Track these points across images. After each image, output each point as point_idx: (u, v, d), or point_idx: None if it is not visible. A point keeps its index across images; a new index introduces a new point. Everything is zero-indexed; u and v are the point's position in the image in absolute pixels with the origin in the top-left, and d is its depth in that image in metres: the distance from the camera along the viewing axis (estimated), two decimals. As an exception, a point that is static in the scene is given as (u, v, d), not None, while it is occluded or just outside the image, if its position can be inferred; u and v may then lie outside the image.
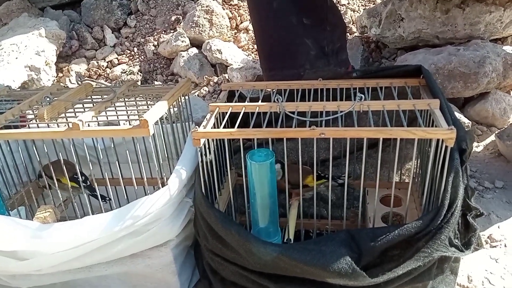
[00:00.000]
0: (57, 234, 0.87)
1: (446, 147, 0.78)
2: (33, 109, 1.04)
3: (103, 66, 2.35)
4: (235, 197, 1.11)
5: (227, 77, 2.13)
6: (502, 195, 1.31)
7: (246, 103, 0.96)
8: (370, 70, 1.07)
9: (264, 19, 1.51)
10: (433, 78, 0.97)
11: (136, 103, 1.07)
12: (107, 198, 1.05)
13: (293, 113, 0.89)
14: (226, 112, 0.95)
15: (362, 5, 2.38)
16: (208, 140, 0.91)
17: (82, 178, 1.05)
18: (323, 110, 0.91)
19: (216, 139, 0.99)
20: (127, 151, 0.96)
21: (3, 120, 0.96)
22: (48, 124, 1.00)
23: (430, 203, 0.87)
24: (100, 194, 1.05)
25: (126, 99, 1.07)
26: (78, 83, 1.09)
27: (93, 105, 1.02)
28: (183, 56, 2.22)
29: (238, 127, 0.86)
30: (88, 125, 0.92)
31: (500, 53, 1.66)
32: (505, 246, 1.10)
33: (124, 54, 2.41)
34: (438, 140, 0.80)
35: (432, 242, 0.75)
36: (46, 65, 2.20)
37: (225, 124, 0.92)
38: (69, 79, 2.26)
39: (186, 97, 1.12)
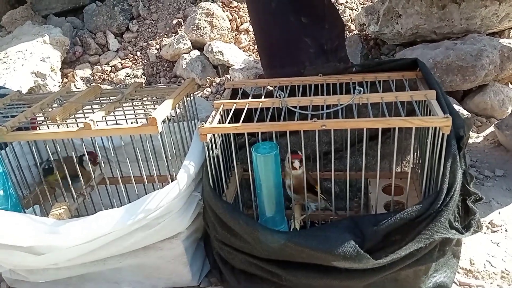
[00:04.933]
0: (73, 229, 0.91)
1: (443, 134, 0.81)
2: (44, 111, 1.08)
3: (107, 70, 2.40)
4: (241, 192, 1.15)
5: (229, 78, 2.17)
6: (502, 183, 1.34)
7: (249, 100, 1.00)
8: (369, 64, 1.10)
9: (263, 19, 1.55)
10: (429, 70, 1.01)
11: (143, 103, 1.11)
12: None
13: (295, 107, 0.93)
14: (231, 109, 0.99)
15: (360, 3, 2.42)
16: (214, 135, 0.95)
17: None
18: (324, 103, 0.95)
19: (222, 135, 1.03)
20: (137, 149, 0.99)
21: (16, 122, 1.00)
22: (58, 126, 1.04)
23: (429, 188, 0.91)
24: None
25: (133, 101, 1.11)
26: (87, 86, 1.12)
27: (101, 106, 1.06)
28: (185, 59, 2.26)
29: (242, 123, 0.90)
30: (97, 125, 0.96)
31: (496, 46, 1.69)
32: (506, 230, 1.13)
33: (127, 58, 2.46)
34: (435, 128, 0.83)
35: (432, 224, 0.79)
36: (52, 71, 2.25)
37: (230, 120, 0.95)
38: (75, 84, 2.31)
39: (192, 97, 1.16)
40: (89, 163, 1.05)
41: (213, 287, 1.05)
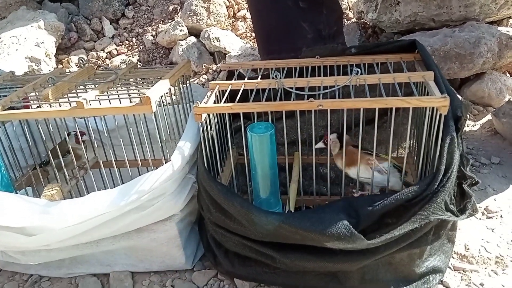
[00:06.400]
0: (65, 210, 0.89)
1: (441, 115, 0.80)
2: (36, 91, 1.06)
3: (102, 57, 2.37)
4: (236, 177, 1.14)
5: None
6: (498, 170, 1.33)
7: (245, 81, 0.98)
8: (366, 46, 1.09)
9: (260, 3, 1.53)
10: (428, 52, 1.00)
11: (137, 84, 1.10)
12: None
13: (291, 88, 0.92)
14: (226, 90, 0.97)
15: (358, -9, 2.39)
16: (209, 116, 0.94)
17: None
18: (321, 85, 0.93)
19: (218, 117, 1.02)
20: (131, 130, 0.98)
21: (8, 101, 0.98)
22: (51, 105, 1.03)
23: (426, 171, 0.90)
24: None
25: (127, 81, 1.09)
26: (81, 66, 1.11)
27: (95, 86, 1.04)
28: (181, 45, 2.24)
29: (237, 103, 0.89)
30: (91, 105, 0.94)
31: (495, 33, 1.68)
32: (501, 217, 1.13)
33: (123, 44, 2.43)
34: (432, 109, 0.82)
35: (428, 205, 0.78)
36: (46, 56, 2.22)
37: (225, 101, 0.94)
38: (69, 70, 2.28)
39: (188, 83, 1.14)
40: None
41: (206, 270, 1.04)
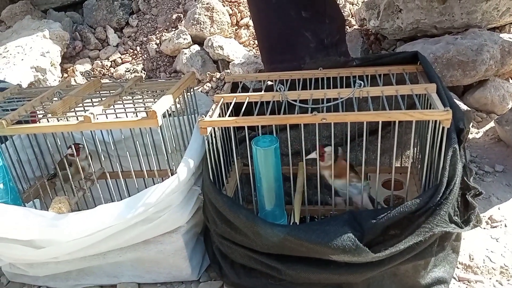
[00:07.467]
0: (72, 223, 0.91)
1: (443, 128, 0.81)
2: (44, 105, 1.08)
3: (107, 65, 2.39)
4: (241, 187, 1.14)
5: (229, 73, 2.17)
6: (502, 178, 1.34)
7: (249, 93, 0.99)
8: (369, 58, 1.10)
9: (263, 13, 1.54)
10: (430, 64, 1.01)
11: (143, 97, 1.11)
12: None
13: (295, 101, 0.93)
14: (231, 102, 0.98)
15: (360, -2, 2.40)
16: (214, 129, 0.95)
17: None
18: (324, 97, 0.94)
19: (222, 129, 1.03)
20: (137, 143, 0.99)
21: (16, 115, 1.00)
22: (58, 119, 1.04)
23: (429, 183, 0.90)
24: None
25: (133, 94, 1.10)
26: (87, 79, 1.12)
27: (101, 99, 1.06)
28: (185, 54, 2.26)
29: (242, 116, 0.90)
30: (97, 119, 0.95)
31: (497, 40, 1.69)
32: (505, 226, 1.13)
33: (127, 53, 2.45)
34: (435, 121, 0.83)
35: (432, 218, 0.78)
36: (52, 65, 2.24)
37: (230, 114, 0.95)
38: (74, 79, 2.30)
39: (192, 92, 1.16)
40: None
41: (212, 281, 1.05)
